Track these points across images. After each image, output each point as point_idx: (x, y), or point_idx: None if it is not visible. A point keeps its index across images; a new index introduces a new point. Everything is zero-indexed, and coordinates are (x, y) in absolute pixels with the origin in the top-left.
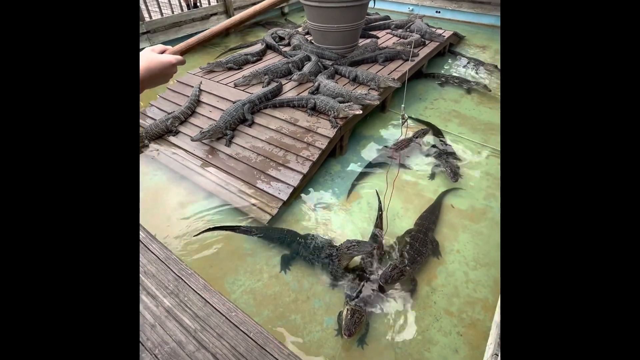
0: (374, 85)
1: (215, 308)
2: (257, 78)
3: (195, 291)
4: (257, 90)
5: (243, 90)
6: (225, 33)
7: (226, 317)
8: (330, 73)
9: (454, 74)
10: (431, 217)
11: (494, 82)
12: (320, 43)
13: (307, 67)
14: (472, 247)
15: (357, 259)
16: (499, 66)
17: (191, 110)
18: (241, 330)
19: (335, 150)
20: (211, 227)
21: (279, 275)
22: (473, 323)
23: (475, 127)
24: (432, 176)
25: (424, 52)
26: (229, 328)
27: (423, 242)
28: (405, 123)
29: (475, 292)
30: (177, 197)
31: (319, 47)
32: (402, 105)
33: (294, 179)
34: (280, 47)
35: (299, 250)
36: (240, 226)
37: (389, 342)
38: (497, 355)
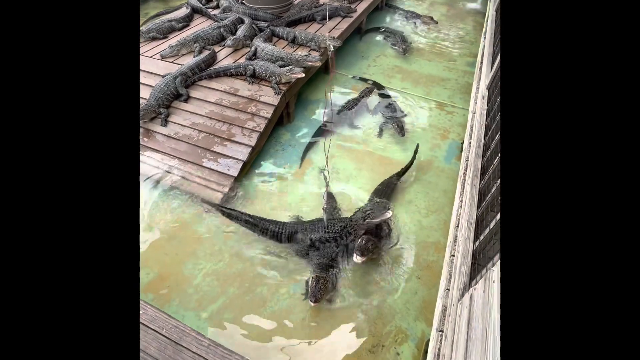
0: (314, 45)
1: None
2: (186, 47)
3: None
4: (188, 60)
5: (172, 62)
6: None
7: None
8: (267, 36)
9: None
10: (387, 190)
11: (430, 34)
12: (252, 3)
13: (241, 30)
14: (423, 197)
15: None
16: (434, 18)
17: None
18: (151, 328)
19: (282, 118)
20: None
21: (240, 253)
22: (428, 265)
23: (418, 81)
24: (380, 133)
25: (361, 7)
26: None
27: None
28: (332, 51)
29: (428, 237)
30: None
31: (252, 7)
32: (328, 39)
33: (243, 153)
34: (209, 10)
35: (306, 237)
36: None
37: (355, 298)
38: (449, 290)
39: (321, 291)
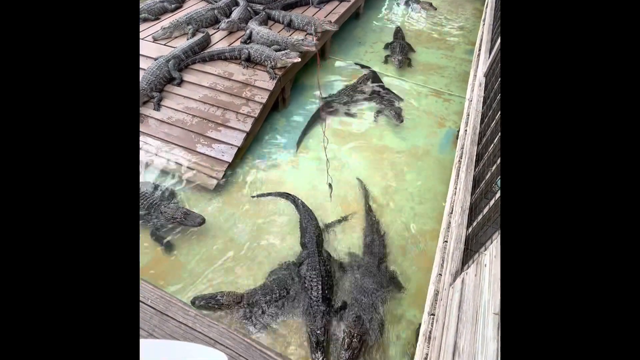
0: (310, 30)
1: None
2: (179, 29)
3: None
4: (181, 43)
5: (164, 45)
6: None
7: None
8: (262, 19)
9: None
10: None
11: (428, 21)
12: None
13: (236, 13)
14: (417, 184)
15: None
16: (433, 4)
17: None
18: None
19: (277, 103)
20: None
21: (235, 238)
22: (422, 252)
23: (415, 68)
24: (376, 120)
25: None
26: None
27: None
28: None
29: (422, 224)
30: None
31: None
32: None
33: (237, 139)
34: None
35: None
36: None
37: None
38: (441, 275)
39: None
